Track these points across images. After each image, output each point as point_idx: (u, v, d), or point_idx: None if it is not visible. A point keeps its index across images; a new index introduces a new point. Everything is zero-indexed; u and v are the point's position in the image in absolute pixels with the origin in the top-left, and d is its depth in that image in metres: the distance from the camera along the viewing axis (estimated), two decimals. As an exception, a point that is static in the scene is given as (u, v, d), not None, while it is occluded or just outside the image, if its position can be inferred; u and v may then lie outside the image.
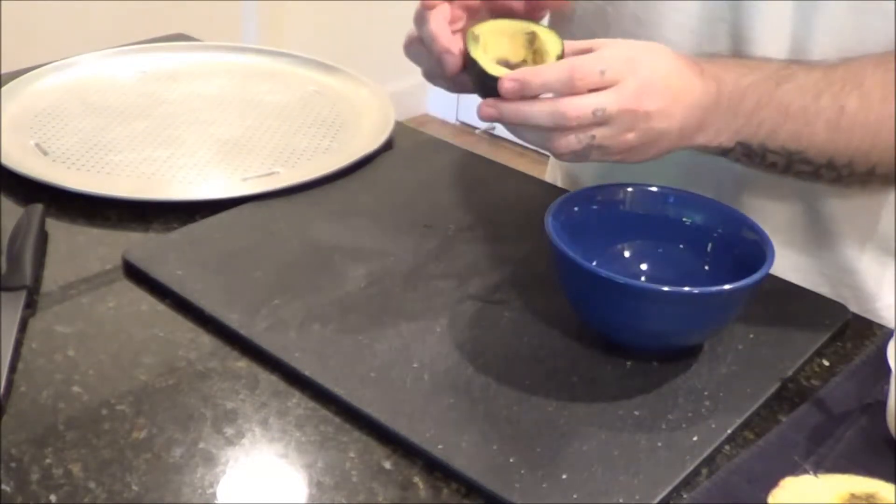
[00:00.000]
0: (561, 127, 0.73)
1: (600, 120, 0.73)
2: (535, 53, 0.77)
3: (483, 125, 3.11)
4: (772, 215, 0.91)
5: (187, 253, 0.86)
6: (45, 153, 1.02)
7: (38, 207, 0.89)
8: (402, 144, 1.08)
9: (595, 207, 0.81)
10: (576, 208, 0.80)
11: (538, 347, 0.76)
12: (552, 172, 1.13)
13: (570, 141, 0.74)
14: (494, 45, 0.77)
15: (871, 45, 0.82)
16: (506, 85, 0.73)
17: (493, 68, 0.74)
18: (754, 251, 0.75)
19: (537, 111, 0.73)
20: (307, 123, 1.11)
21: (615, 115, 0.73)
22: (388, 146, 1.06)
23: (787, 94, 0.78)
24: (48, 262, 0.86)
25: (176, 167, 1.01)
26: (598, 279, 0.72)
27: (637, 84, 0.73)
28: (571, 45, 0.77)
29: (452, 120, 3.33)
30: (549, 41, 0.76)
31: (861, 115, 0.79)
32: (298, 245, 0.88)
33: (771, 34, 0.85)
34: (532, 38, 0.77)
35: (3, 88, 1.11)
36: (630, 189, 0.82)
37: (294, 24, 2.85)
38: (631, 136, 0.74)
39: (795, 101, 0.78)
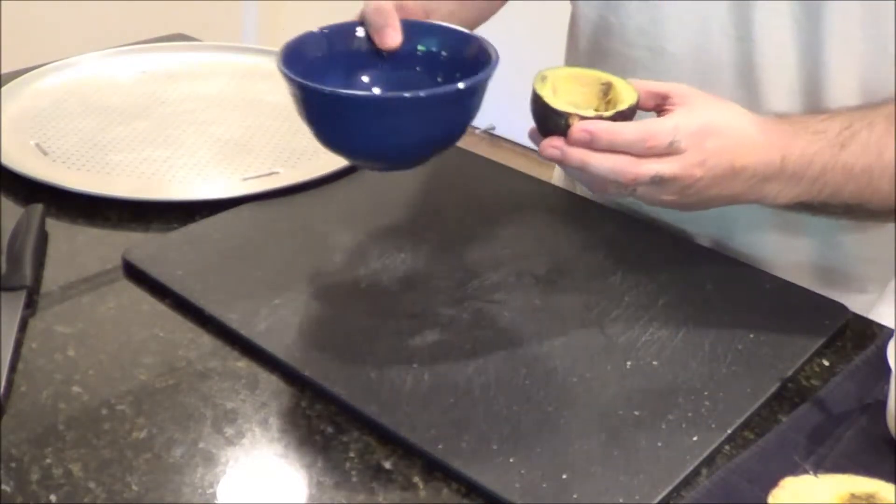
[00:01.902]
0: (616, 182, 0.73)
1: (655, 183, 0.73)
2: (608, 104, 0.76)
3: (483, 125, 3.11)
4: (792, 252, 0.93)
5: (187, 253, 0.86)
6: (45, 153, 1.02)
7: (38, 207, 0.89)
8: (402, 144, 1.08)
9: (334, 47, 0.81)
10: (310, 52, 0.80)
11: (538, 347, 0.76)
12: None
13: (614, 191, 0.74)
14: (566, 90, 0.77)
15: (888, 69, 0.82)
16: (576, 134, 0.72)
17: (556, 102, 0.74)
18: (483, 66, 0.75)
19: (601, 164, 0.72)
20: (307, 123, 1.11)
21: (668, 181, 0.73)
22: (388, 146, 1.06)
23: (851, 155, 0.78)
24: (48, 262, 0.86)
25: (176, 167, 1.01)
26: (313, 93, 0.73)
27: (700, 158, 0.73)
28: (644, 85, 0.76)
29: (452, 120, 3.32)
30: (625, 92, 0.76)
31: None
32: (298, 245, 0.88)
33: (778, 51, 0.85)
34: (607, 90, 0.77)
35: (3, 88, 1.11)
36: (359, 28, 0.82)
37: (294, 24, 2.85)
38: (671, 198, 0.75)
39: (859, 161, 0.78)
